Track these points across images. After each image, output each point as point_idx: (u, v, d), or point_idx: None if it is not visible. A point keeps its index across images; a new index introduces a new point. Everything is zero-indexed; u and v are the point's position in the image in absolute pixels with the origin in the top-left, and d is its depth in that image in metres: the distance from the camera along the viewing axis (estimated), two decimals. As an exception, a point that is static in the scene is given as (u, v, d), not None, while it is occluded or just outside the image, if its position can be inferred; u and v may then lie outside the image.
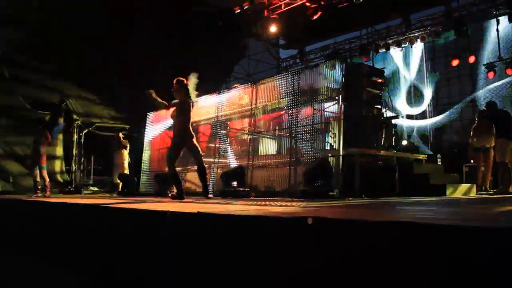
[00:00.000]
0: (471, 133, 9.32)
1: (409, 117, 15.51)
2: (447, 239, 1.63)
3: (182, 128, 6.63)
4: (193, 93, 6.79)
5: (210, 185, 10.42)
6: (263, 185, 9.57)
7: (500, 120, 8.84)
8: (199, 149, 6.82)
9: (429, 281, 1.62)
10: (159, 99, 6.78)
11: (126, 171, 12.38)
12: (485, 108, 9.59)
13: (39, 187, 9.72)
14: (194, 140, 6.74)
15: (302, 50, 19.33)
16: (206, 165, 10.95)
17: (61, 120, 13.12)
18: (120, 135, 12.62)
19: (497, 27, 13.10)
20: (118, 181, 11.87)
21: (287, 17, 14.79)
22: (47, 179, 9.85)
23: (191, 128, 6.75)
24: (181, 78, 6.76)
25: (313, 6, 12.96)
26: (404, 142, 10.32)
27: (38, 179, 9.67)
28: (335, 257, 1.94)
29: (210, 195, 6.51)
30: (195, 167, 7.93)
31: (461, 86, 16.29)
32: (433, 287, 1.61)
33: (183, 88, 6.68)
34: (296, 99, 8.94)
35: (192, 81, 6.78)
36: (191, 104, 6.72)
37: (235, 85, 11.63)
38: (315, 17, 12.93)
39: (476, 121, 9.31)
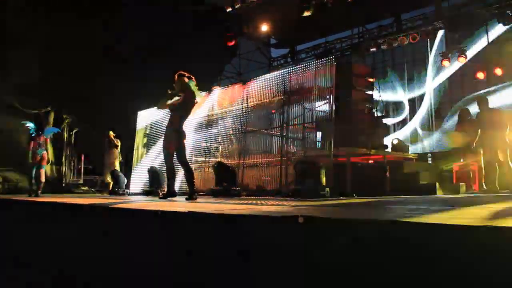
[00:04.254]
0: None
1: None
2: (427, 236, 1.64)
3: (175, 124, 6.35)
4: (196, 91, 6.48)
5: (201, 185, 10.43)
6: (254, 184, 9.58)
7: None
8: (183, 151, 6.41)
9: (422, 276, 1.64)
10: (168, 102, 6.47)
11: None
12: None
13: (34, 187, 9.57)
14: (183, 141, 6.37)
15: (293, 49, 19.32)
16: (197, 164, 11.01)
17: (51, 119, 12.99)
18: (111, 133, 12.53)
19: (487, 28, 13.20)
20: (109, 180, 11.80)
21: (278, 16, 14.80)
22: (41, 181, 9.67)
23: (180, 124, 6.37)
24: (182, 72, 6.47)
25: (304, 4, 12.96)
26: (395, 141, 10.33)
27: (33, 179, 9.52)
28: (325, 255, 1.95)
29: (194, 197, 6.13)
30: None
31: (451, 86, 16.35)
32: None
33: (183, 82, 6.39)
34: (287, 98, 8.95)
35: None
36: (192, 100, 6.40)
37: (214, 87, 11.59)
38: (306, 13, 12.92)
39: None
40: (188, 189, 6.49)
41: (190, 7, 14.78)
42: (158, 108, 6.80)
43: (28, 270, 4.09)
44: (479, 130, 8.66)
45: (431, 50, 15.50)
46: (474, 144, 8.80)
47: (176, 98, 6.45)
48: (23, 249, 4.64)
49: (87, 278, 3.41)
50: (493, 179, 8.55)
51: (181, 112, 6.38)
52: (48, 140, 9.82)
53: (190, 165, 6.56)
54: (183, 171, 6.64)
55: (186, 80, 6.42)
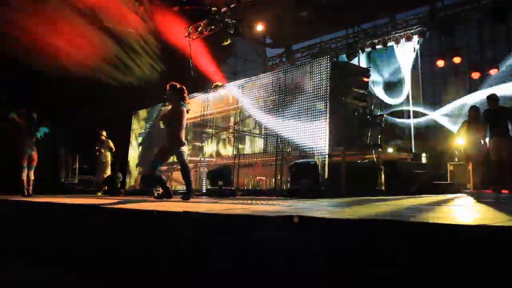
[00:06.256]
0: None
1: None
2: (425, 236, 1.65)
3: (174, 136, 6.32)
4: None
5: (197, 184, 10.42)
6: (250, 184, 9.58)
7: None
8: (184, 155, 6.43)
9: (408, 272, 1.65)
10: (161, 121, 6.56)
11: (108, 171, 12.28)
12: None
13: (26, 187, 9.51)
14: (183, 148, 6.39)
15: (289, 49, 19.36)
16: (192, 164, 11.00)
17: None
18: (103, 133, 12.49)
19: (481, 28, 13.27)
20: (104, 178, 11.80)
21: (273, 16, 14.81)
22: (31, 179, 9.62)
23: (183, 136, 6.42)
24: (174, 83, 6.48)
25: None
26: (390, 150, 10.34)
27: (24, 179, 9.46)
28: (320, 254, 1.96)
29: (189, 196, 6.17)
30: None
31: (446, 86, 16.42)
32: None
33: (176, 92, 6.41)
34: (282, 98, 8.95)
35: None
36: (184, 110, 6.40)
37: (217, 83, 11.55)
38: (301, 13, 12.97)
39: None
40: (185, 188, 6.49)
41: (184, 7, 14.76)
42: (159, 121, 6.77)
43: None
44: (487, 128, 8.59)
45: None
46: (482, 141, 8.75)
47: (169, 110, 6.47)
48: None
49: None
50: (497, 178, 8.48)
51: (176, 124, 6.36)
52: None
53: (189, 165, 6.56)
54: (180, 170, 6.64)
55: (176, 91, 6.45)
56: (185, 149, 6.43)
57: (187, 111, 6.56)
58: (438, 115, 14.62)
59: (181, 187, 10.57)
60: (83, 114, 12.92)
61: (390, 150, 10.33)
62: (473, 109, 9.07)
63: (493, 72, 13.01)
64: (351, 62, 14.61)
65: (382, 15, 15.44)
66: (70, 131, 13.15)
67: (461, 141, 9.17)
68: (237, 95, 10.21)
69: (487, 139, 8.77)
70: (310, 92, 8.46)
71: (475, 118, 8.93)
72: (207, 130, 11.14)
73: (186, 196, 6.13)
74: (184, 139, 6.49)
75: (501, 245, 1.50)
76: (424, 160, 12.84)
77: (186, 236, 2.72)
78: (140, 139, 13.30)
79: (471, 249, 1.55)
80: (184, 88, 6.51)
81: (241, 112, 10.11)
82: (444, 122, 13.90)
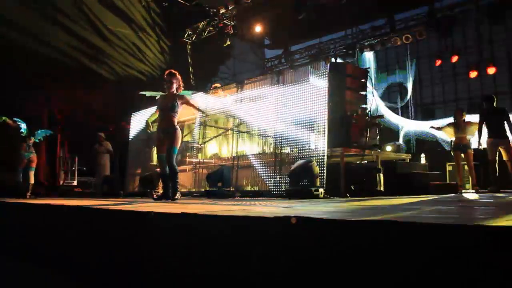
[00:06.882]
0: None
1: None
2: (426, 237, 1.65)
3: (171, 122, 6.32)
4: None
5: (195, 186, 10.43)
6: (249, 185, 9.58)
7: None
8: (172, 150, 6.33)
9: (407, 276, 1.65)
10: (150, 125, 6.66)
11: (107, 173, 12.28)
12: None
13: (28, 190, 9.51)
14: (178, 134, 6.35)
15: (287, 50, 19.36)
16: (191, 165, 11.00)
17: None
18: (102, 135, 12.48)
19: (479, 28, 13.30)
20: (102, 178, 11.80)
21: (272, 17, 14.83)
22: (30, 181, 9.63)
23: (176, 124, 6.38)
24: (173, 71, 6.45)
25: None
26: (389, 148, 10.35)
27: (21, 180, 9.47)
28: (318, 256, 1.96)
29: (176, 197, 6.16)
30: (180, 167, 7.90)
31: (444, 86, 16.44)
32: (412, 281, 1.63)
33: (176, 80, 6.39)
34: (280, 99, 8.96)
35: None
36: (178, 99, 6.37)
37: (216, 85, 11.56)
38: (300, 15, 13.01)
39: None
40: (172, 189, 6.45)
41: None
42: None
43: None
44: (482, 129, 8.61)
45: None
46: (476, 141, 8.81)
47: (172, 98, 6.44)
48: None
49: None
50: (494, 178, 8.48)
51: (174, 111, 6.35)
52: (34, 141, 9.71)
53: (177, 168, 6.48)
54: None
55: (174, 79, 6.45)
56: (179, 134, 6.38)
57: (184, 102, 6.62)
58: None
59: (183, 189, 10.57)
60: (83, 115, 12.91)
61: (388, 148, 10.35)
62: (459, 110, 9.23)
63: (490, 71, 13.04)
64: (350, 63, 14.64)
65: (380, 15, 15.44)
66: (69, 132, 13.17)
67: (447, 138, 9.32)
68: (236, 97, 10.22)
69: (482, 140, 8.80)
70: (308, 93, 8.46)
71: (460, 119, 9.05)
72: (206, 131, 11.14)
73: (173, 196, 6.17)
74: (179, 130, 6.47)
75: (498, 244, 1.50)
76: (423, 160, 12.86)
77: (184, 237, 2.72)
78: (139, 141, 13.30)
79: (471, 249, 1.55)
80: (180, 77, 6.54)
81: (239, 113, 10.10)
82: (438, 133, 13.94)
